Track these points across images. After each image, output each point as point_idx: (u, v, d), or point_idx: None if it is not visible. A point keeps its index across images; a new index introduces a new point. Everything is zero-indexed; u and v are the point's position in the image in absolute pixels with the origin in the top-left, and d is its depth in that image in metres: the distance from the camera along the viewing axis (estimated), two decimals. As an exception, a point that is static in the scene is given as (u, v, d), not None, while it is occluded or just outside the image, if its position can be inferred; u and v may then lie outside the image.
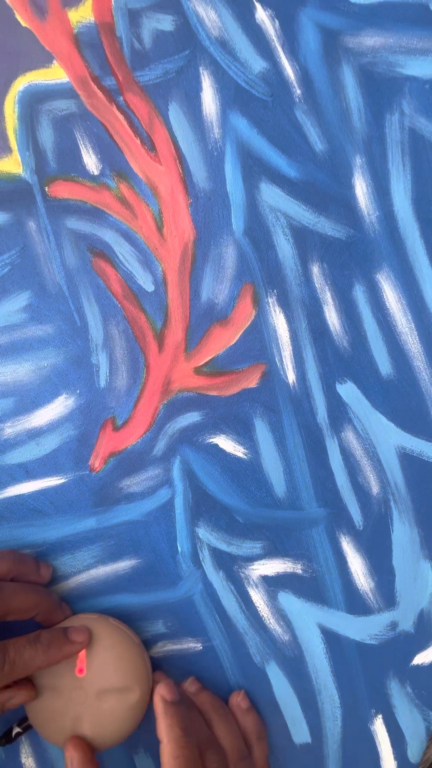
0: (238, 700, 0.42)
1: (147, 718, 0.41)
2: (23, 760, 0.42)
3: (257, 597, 0.43)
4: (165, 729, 0.37)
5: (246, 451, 0.42)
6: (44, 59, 0.40)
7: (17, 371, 0.42)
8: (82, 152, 0.41)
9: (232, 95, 0.41)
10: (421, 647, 0.43)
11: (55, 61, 0.40)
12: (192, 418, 0.42)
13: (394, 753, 0.43)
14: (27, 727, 0.41)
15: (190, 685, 0.42)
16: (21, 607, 0.38)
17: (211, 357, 0.42)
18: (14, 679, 0.36)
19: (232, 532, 0.42)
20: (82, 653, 0.39)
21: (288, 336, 0.42)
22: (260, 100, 0.41)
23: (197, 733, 0.38)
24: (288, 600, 0.43)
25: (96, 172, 0.41)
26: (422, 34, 0.40)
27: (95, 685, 0.39)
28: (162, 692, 0.38)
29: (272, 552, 0.43)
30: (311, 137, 0.41)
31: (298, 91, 0.41)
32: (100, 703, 0.39)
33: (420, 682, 0.43)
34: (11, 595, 0.37)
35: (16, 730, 0.41)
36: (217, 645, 0.43)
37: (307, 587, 0.43)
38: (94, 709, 0.39)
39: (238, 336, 0.42)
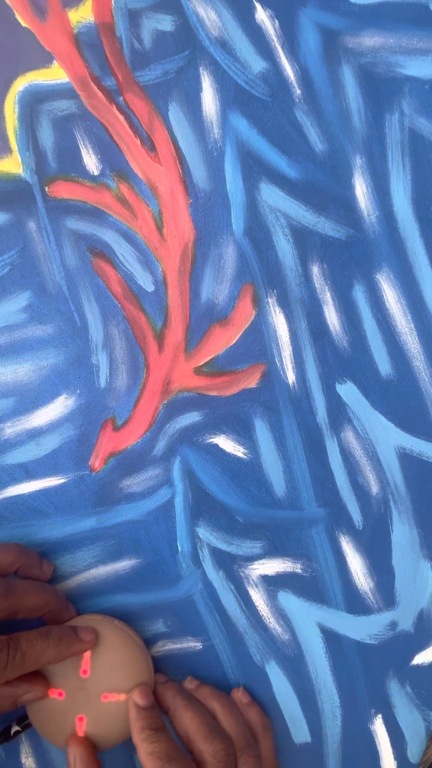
0: (239, 696, 0.42)
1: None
2: (23, 760, 0.42)
3: (257, 596, 0.43)
4: (137, 732, 0.37)
5: (246, 451, 0.42)
6: (44, 59, 0.40)
7: (17, 371, 0.42)
8: (82, 152, 0.41)
9: (232, 95, 0.41)
10: (421, 647, 0.43)
11: (55, 62, 0.40)
12: (192, 418, 0.42)
13: (394, 753, 0.43)
14: (26, 726, 0.41)
15: (189, 683, 0.42)
16: (32, 606, 0.38)
17: (211, 357, 0.42)
18: (25, 671, 0.36)
19: (232, 532, 0.43)
20: (87, 654, 0.39)
21: (288, 336, 0.42)
22: (260, 100, 0.41)
23: (200, 724, 0.38)
24: (288, 599, 0.43)
25: (96, 172, 0.41)
26: (422, 34, 0.40)
27: (99, 687, 0.39)
28: (135, 698, 0.39)
29: (272, 551, 0.43)
30: (311, 137, 0.41)
31: (298, 91, 0.41)
32: (103, 705, 0.39)
33: (420, 682, 0.43)
34: (23, 593, 0.38)
35: (15, 728, 0.41)
36: (217, 644, 0.43)
37: (307, 587, 0.43)
38: (96, 710, 0.39)
39: (238, 336, 0.42)
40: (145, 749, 0.37)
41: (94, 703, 0.39)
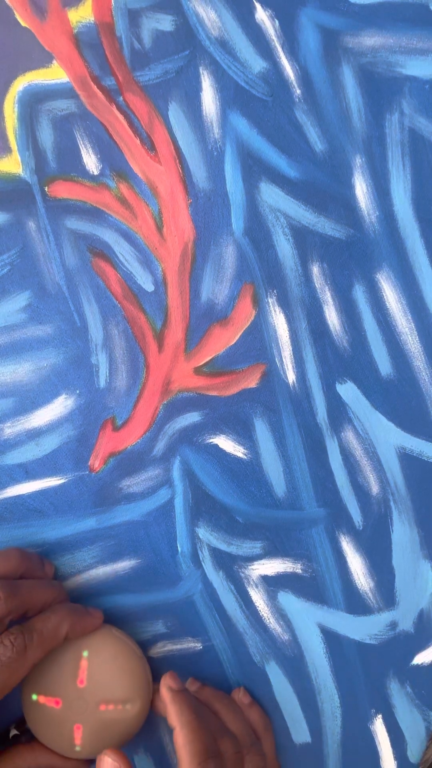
0: (239, 696, 0.42)
1: (147, 718, 0.41)
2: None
3: (257, 597, 0.43)
4: (176, 714, 0.37)
5: (246, 451, 0.42)
6: (44, 59, 0.40)
7: (17, 371, 0.42)
8: (82, 152, 0.41)
9: (232, 95, 0.41)
10: (421, 647, 0.43)
11: (54, 61, 0.40)
12: (192, 418, 0.42)
13: (394, 753, 0.43)
14: (24, 731, 0.40)
15: (191, 685, 0.42)
16: (41, 602, 0.38)
17: (211, 357, 0.42)
18: (48, 650, 0.36)
19: (232, 532, 0.42)
20: (84, 663, 0.39)
21: (288, 336, 0.42)
22: (260, 100, 0.41)
23: (207, 722, 0.38)
24: (288, 600, 0.43)
25: (96, 172, 0.41)
26: (422, 34, 0.40)
27: (96, 696, 0.38)
28: (168, 682, 0.38)
29: (272, 552, 0.43)
30: (311, 137, 0.41)
31: (298, 91, 0.41)
32: (100, 714, 0.38)
33: (420, 682, 0.43)
34: (29, 592, 0.37)
35: (14, 732, 0.40)
36: (217, 645, 0.43)
37: (307, 587, 0.43)
38: (93, 719, 0.38)
39: (238, 336, 0.42)
40: (185, 737, 0.36)
41: (91, 712, 0.38)
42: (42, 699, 0.39)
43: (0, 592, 0.36)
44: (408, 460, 0.42)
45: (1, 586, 0.36)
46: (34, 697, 0.39)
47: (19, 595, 0.37)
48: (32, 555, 0.41)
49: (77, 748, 0.39)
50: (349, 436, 0.42)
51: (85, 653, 0.39)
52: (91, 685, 0.39)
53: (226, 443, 0.42)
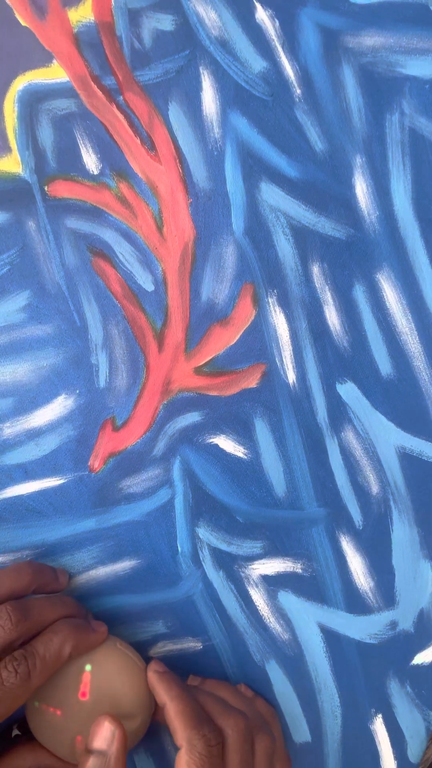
0: (242, 691, 0.42)
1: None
2: (23, 761, 0.42)
3: (257, 596, 0.43)
4: (164, 690, 0.37)
5: (246, 451, 0.42)
6: (44, 59, 0.40)
7: (16, 371, 0.42)
8: (82, 152, 0.41)
9: (232, 95, 0.41)
10: (421, 647, 0.43)
11: (54, 61, 0.40)
12: (192, 418, 0.42)
13: (394, 753, 0.43)
14: (26, 731, 0.40)
15: (192, 680, 0.42)
16: (52, 623, 0.37)
17: (211, 357, 0.42)
18: (51, 673, 0.36)
19: (233, 532, 0.42)
20: (86, 677, 0.38)
21: (288, 336, 0.42)
22: (260, 100, 0.41)
23: (215, 703, 0.38)
24: (288, 599, 0.43)
25: (96, 172, 0.41)
26: (422, 34, 0.40)
27: (97, 710, 0.38)
28: (154, 667, 0.39)
29: (272, 551, 0.43)
30: (311, 137, 0.41)
31: (298, 91, 0.41)
32: None
33: (420, 682, 0.43)
34: (41, 612, 0.37)
35: (15, 732, 0.40)
36: (217, 644, 0.43)
37: (307, 586, 0.43)
38: None
39: (238, 336, 0.42)
40: (175, 707, 0.36)
41: (92, 725, 0.38)
42: (44, 707, 0.38)
43: (12, 616, 0.35)
44: (408, 460, 0.42)
45: (13, 610, 0.35)
46: (36, 703, 0.38)
47: (30, 617, 0.36)
48: (45, 567, 0.40)
49: (78, 755, 0.38)
50: (349, 436, 0.42)
51: (88, 667, 0.38)
52: (93, 699, 0.38)
53: (226, 443, 0.42)
